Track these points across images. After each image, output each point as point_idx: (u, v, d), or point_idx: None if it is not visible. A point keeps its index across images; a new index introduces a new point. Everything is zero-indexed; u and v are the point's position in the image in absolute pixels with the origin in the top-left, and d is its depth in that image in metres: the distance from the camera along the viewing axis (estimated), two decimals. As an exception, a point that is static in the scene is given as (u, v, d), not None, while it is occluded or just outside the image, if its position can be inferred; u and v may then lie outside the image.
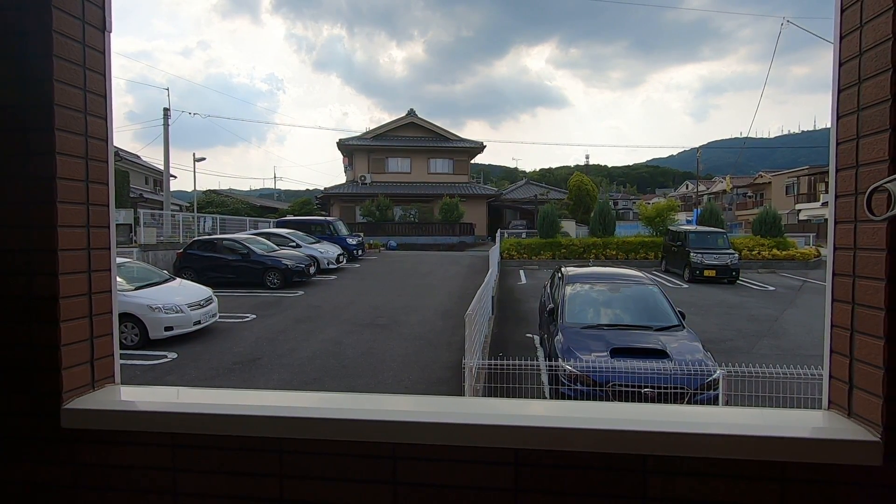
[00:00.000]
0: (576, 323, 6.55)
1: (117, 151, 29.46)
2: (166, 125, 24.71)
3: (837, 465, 1.07)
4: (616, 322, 6.66)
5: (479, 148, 39.53)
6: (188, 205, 32.39)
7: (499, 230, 28.11)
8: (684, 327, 6.48)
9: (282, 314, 11.33)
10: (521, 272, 19.58)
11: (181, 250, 15.94)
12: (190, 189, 32.65)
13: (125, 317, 8.49)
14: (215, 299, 10.10)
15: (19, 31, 1.22)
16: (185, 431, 1.24)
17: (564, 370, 5.29)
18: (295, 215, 29.72)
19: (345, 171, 41.56)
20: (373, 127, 41.54)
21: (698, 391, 4.98)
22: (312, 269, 16.05)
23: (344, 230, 23.40)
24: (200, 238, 17.38)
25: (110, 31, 1.39)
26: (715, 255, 17.04)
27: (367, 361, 8.00)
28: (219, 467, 1.24)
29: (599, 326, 6.50)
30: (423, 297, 13.46)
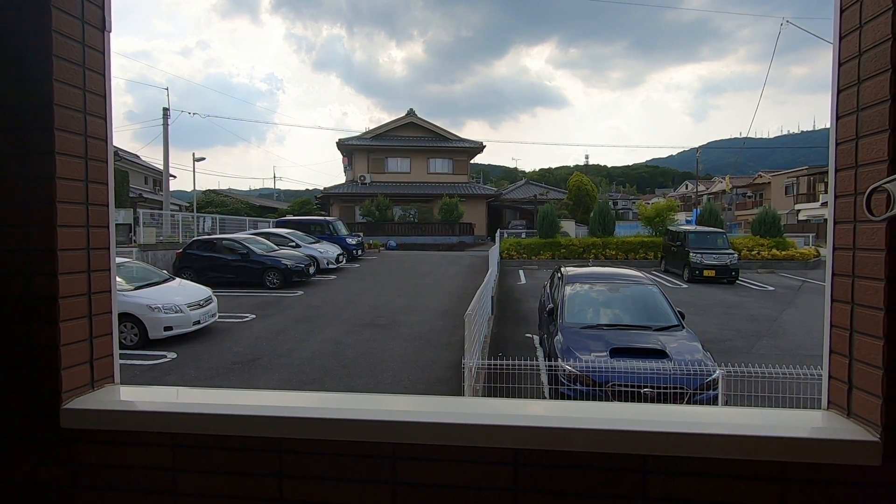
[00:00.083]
0: (575, 323, 6.56)
1: (117, 151, 29.43)
2: (166, 125, 24.70)
3: (837, 465, 1.07)
4: (615, 322, 6.66)
5: (478, 148, 39.54)
6: (188, 205, 32.38)
7: (498, 230, 28.11)
8: (684, 327, 6.48)
9: (281, 314, 11.32)
10: (521, 272, 19.58)
11: (181, 250, 15.93)
12: (189, 189, 32.66)
13: (125, 317, 8.49)
14: (215, 299, 10.09)
15: (19, 31, 1.22)
16: (184, 431, 1.24)
17: (564, 370, 5.29)
18: (294, 215, 29.71)
19: (344, 171, 41.56)
20: (372, 127, 41.64)
21: (698, 391, 4.98)
22: (312, 269, 16.05)
23: (343, 230, 23.40)
24: (200, 238, 17.38)
25: (110, 31, 1.39)
26: (714, 256, 17.04)
27: (367, 361, 8.00)
28: (219, 467, 1.24)
29: (599, 326, 6.50)
30: (422, 297, 13.46)
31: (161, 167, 27.32)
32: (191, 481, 1.25)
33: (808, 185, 43.74)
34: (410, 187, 36.23)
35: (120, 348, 1.48)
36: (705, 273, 16.73)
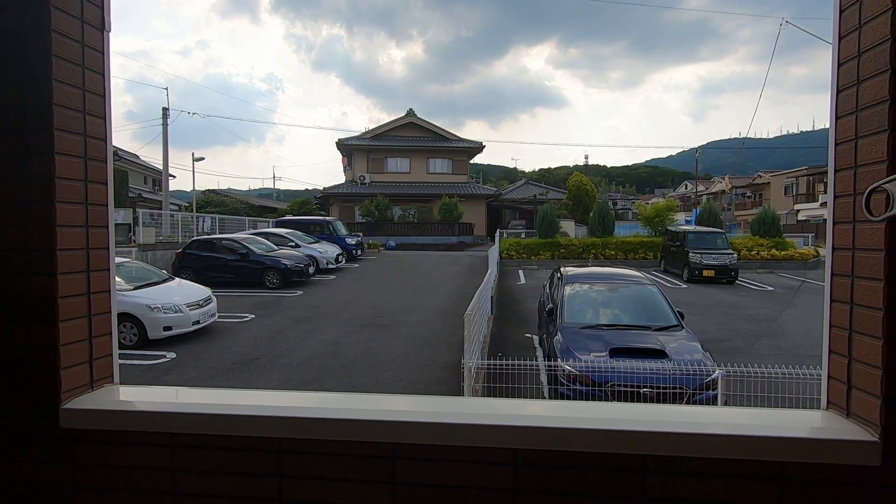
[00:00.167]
0: (575, 323, 6.56)
1: (116, 151, 29.41)
2: (165, 125, 24.70)
3: (836, 464, 1.07)
4: (615, 322, 6.66)
5: (478, 148, 39.54)
6: (187, 204, 32.36)
7: (498, 230, 28.12)
8: (683, 327, 6.48)
9: (281, 314, 11.32)
10: (521, 272, 19.58)
11: (180, 250, 15.92)
12: (189, 189, 32.65)
13: (124, 316, 8.48)
14: (214, 299, 10.09)
15: (18, 31, 1.22)
16: (184, 431, 1.24)
17: (563, 370, 5.29)
18: (294, 215, 29.69)
19: (344, 171, 41.55)
20: (372, 127, 41.58)
21: (697, 391, 4.99)
22: (311, 269, 16.04)
23: (343, 230, 23.39)
24: (199, 238, 17.37)
25: (109, 31, 1.39)
26: (714, 256, 17.05)
27: (366, 361, 8.00)
28: (218, 467, 1.24)
29: (598, 326, 6.50)
30: (422, 297, 13.46)
31: (160, 167, 27.31)
32: (190, 481, 1.25)
33: (807, 185, 43.76)
34: (410, 187, 36.22)
35: (119, 348, 1.48)
36: (705, 273, 16.74)
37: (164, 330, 8.76)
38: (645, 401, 4.84)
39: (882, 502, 1.07)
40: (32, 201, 1.24)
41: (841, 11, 1.15)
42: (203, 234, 21.11)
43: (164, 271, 11.50)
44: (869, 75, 1.07)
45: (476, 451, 1.16)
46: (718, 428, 1.12)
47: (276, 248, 16.52)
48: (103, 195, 1.38)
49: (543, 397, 5.77)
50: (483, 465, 1.16)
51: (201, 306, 9.50)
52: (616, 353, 5.49)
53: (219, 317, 10.10)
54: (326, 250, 18.97)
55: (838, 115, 1.15)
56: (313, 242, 19.60)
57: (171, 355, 8.23)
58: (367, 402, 1.33)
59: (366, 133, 39.71)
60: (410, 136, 38.56)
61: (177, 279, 10.96)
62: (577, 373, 5.22)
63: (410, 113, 39.82)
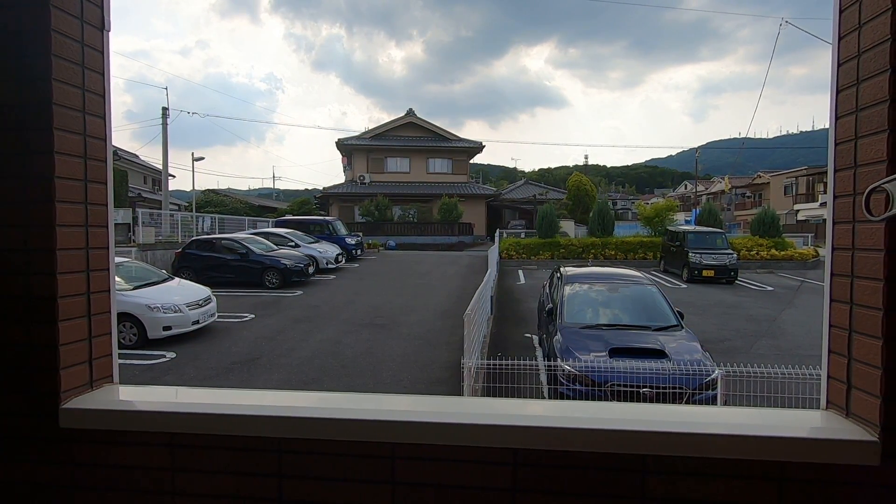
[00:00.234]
0: (574, 323, 6.56)
1: (116, 151, 29.40)
2: (165, 124, 24.68)
3: (835, 464, 1.07)
4: (615, 322, 6.67)
5: (478, 148, 39.54)
6: (187, 204, 32.35)
7: (498, 230, 28.11)
8: (683, 327, 6.49)
9: (281, 314, 11.32)
10: (520, 272, 19.58)
11: (180, 250, 15.91)
12: (188, 188, 32.63)
13: (123, 316, 8.47)
14: (214, 299, 10.09)
15: (18, 30, 1.22)
16: (183, 431, 1.24)
17: (563, 370, 5.29)
18: (294, 215, 29.69)
19: (344, 171, 41.54)
20: (372, 126, 41.57)
21: (697, 391, 4.99)
22: (311, 269, 16.04)
23: (343, 230, 23.38)
24: (199, 238, 17.36)
25: (109, 30, 1.39)
26: (713, 256, 17.06)
27: (366, 361, 8.00)
28: (218, 467, 1.24)
29: (598, 326, 6.50)
30: (421, 297, 13.46)
31: (160, 167, 27.30)
32: (190, 481, 1.24)
33: (807, 185, 43.78)
34: (410, 187, 36.22)
35: (119, 348, 1.48)
36: (704, 273, 16.74)
37: (164, 330, 8.75)
38: (645, 401, 4.84)
39: (882, 502, 1.07)
40: (32, 201, 1.24)
41: (841, 11, 1.15)
42: (203, 234, 21.10)
43: (164, 271, 11.50)
44: (869, 75, 1.07)
45: (476, 451, 1.16)
46: (718, 428, 1.12)
47: (275, 247, 16.52)
48: (103, 195, 1.38)
49: (543, 397, 5.77)
50: (483, 465, 1.16)
51: (201, 306, 9.50)
52: (616, 353, 5.49)
53: (218, 317, 10.09)
54: (326, 250, 18.96)
55: (838, 115, 1.15)
56: (313, 242, 19.60)
57: (171, 355, 8.23)
58: (367, 401, 1.33)
59: (365, 133, 39.70)
60: (410, 136, 38.55)
61: (176, 279, 10.96)
62: (577, 373, 5.22)
63: (410, 113, 39.82)
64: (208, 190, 40.80)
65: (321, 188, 39.33)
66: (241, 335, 9.52)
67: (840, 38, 1.15)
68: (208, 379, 7.27)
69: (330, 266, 18.43)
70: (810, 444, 1.07)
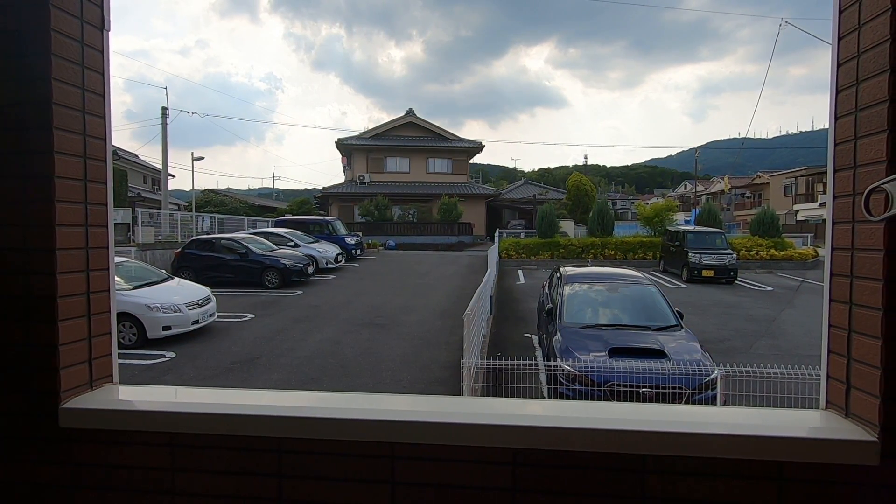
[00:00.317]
0: (574, 323, 6.56)
1: (115, 150, 29.39)
2: (164, 124, 24.67)
3: (835, 464, 1.07)
4: (614, 322, 6.67)
5: (477, 148, 39.54)
6: (186, 204, 32.34)
7: (497, 230, 28.11)
8: (682, 327, 6.49)
9: (280, 314, 11.31)
10: (520, 272, 19.58)
11: (179, 250, 15.91)
12: (188, 188, 32.63)
13: (123, 316, 8.47)
14: (213, 299, 10.08)
15: (18, 30, 1.22)
16: (183, 431, 1.24)
17: (563, 370, 5.29)
18: (293, 215, 29.68)
19: (343, 171, 41.54)
20: (371, 126, 41.56)
21: (696, 391, 4.99)
22: (311, 269, 16.03)
23: (342, 230, 23.38)
24: (199, 237, 17.36)
25: (109, 30, 1.39)
26: (713, 256, 17.06)
27: (366, 361, 7.99)
28: (218, 467, 1.24)
29: (598, 326, 6.51)
30: (421, 297, 13.46)
31: (160, 166, 27.29)
32: (190, 481, 1.24)
33: (806, 185, 43.80)
34: (409, 187, 36.21)
35: (118, 348, 1.48)
36: (704, 273, 16.75)
37: (164, 329, 8.75)
38: (644, 401, 4.84)
39: (881, 502, 1.07)
40: (32, 200, 1.24)
41: (840, 12, 1.15)
42: (202, 234, 21.10)
43: (164, 271, 11.50)
44: (868, 75, 1.07)
45: (476, 450, 1.16)
46: (718, 428, 1.12)
47: (275, 247, 16.52)
48: (103, 194, 1.38)
49: (543, 397, 5.77)
50: (483, 465, 1.16)
51: (200, 306, 9.49)
52: (615, 352, 5.49)
53: (218, 316, 10.09)
54: (326, 250, 18.97)
55: (838, 116, 1.15)
56: (313, 242, 19.60)
57: (171, 355, 8.23)
58: (366, 401, 1.33)
59: (365, 133, 39.70)
60: (410, 136, 38.55)
61: (176, 279, 10.96)
62: (577, 373, 5.22)
63: (410, 113, 39.82)
64: (208, 190, 40.80)
65: (321, 188, 39.33)
66: (241, 335, 9.52)
67: (840, 39, 1.15)
68: (208, 379, 7.26)
69: (329, 266, 18.43)
70: (810, 444, 1.07)
